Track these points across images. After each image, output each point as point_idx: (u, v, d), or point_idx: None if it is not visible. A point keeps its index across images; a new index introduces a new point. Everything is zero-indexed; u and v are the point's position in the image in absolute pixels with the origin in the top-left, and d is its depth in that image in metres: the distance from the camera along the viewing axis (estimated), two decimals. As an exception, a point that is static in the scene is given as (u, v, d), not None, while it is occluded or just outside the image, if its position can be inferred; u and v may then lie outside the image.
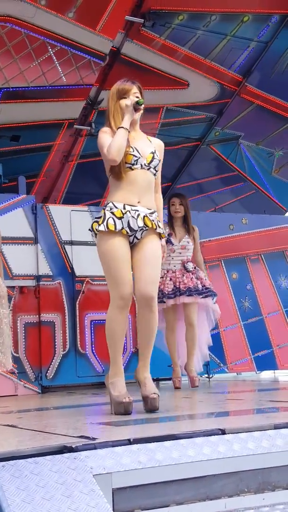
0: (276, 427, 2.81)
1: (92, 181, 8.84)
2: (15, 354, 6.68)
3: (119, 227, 3.73)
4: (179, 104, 8.45)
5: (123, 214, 3.75)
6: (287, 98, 8.79)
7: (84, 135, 8.33)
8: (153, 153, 3.90)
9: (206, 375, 7.57)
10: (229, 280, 8.09)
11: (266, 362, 8.06)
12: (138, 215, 3.77)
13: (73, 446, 2.40)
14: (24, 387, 6.66)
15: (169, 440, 2.56)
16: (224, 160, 9.46)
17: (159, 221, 3.89)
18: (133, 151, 3.83)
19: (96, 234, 3.83)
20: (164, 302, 6.07)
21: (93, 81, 7.64)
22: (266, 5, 7.72)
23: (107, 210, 3.79)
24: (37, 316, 6.89)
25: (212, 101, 8.59)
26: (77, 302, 7.17)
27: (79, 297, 7.19)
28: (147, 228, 3.79)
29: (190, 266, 6.19)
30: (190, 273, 6.15)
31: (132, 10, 7.30)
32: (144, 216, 3.79)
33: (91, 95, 7.96)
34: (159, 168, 3.98)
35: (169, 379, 7.65)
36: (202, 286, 6.14)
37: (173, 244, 6.19)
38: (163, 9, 7.38)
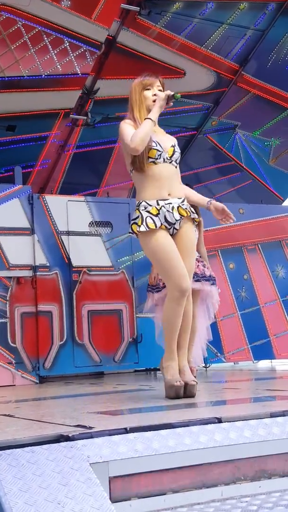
0: (273, 415, 2.81)
1: (89, 171, 8.82)
2: (12, 345, 6.69)
3: (158, 224, 3.78)
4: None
5: (158, 210, 3.79)
6: (284, 87, 8.77)
7: (80, 125, 8.30)
8: (173, 146, 3.94)
9: (203, 365, 7.59)
10: (226, 270, 8.10)
11: (263, 352, 8.07)
12: (173, 207, 3.82)
13: (70, 435, 2.40)
14: (21, 377, 6.68)
15: (166, 428, 2.56)
16: (221, 150, 9.44)
17: (191, 207, 3.94)
18: (156, 145, 3.85)
19: (137, 235, 3.87)
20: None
21: (89, 70, 7.60)
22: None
23: (142, 209, 3.82)
24: (34, 306, 6.89)
25: (208, 90, 8.57)
26: (74, 293, 7.17)
27: (76, 288, 7.19)
28: (182, 217, 3.84)
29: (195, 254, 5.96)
30: (196, 261, 6.00)
31: (128, -2, 7.28)
32: (178, 207, 3.83)
33: (87, 84, 7.93)
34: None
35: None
36: (209, 275, 5.86)
37: None
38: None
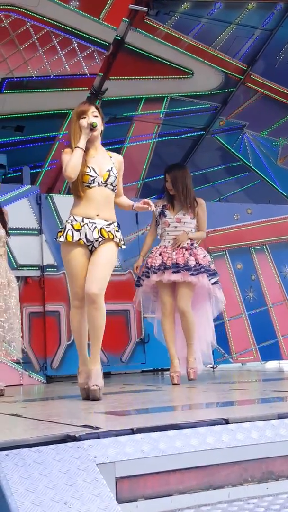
0: (280, 416, 2.80)
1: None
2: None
3: (76, 238, 4.14)
4: (183, 93, 8.41)
5: (81, 226, 4.15)
6: (292, 86, 8.74)
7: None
8: (109, 170, 4.22)
9: (211, 365, 7.57)
10: (233, 270, 8.08)
11: (271, 352, 8.06)
12: (95, 227, 4.16)
13: (77, 435, 2.40)
14: (29, 377, 6.69)
15: (172, 429, 2.56)
16: (229, 150, 9.43)
17: (117, 231, 4.26)
18: (90, 171, 4.17)
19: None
20: (148, 277, 5.43)
21: (97, 70, 7.60)
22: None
23: (68, 222, 4.21)
24: (42, 306, 6.91)
25: (216, 90, 8.55)
26: (82, 292, 7.16)
27: (84, 287, 7.18)
28: (103, 238, 4.17)
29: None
30: (183, 249, 5.42)
31: (136, -2, 7.27)
32: (101, 228, 4.17)
33: (95, 85, 7.93)
34: (118, 182, 4.33)
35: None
36: (196, 263, 5.35)
37: (166, 217, 5.57)
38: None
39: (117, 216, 7.42)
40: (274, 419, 2.78)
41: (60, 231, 4.24)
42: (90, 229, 4.14)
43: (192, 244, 5.51)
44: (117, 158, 4.38)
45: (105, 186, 4.21)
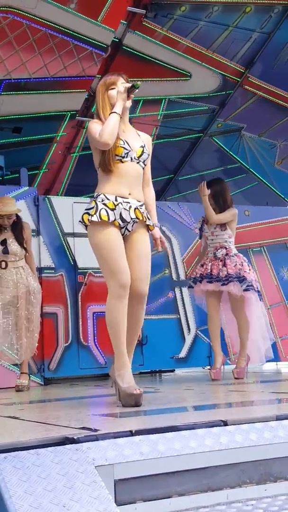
0: (278, 418, 2.80)
1: (94, 173, 8.78)
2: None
3: (112, 218, 3.74)
4: (181, 95, 8.41)
5: (115, 205, 3.76)
6: (289, 89, 8.76)
7: (87, 127, 8.30)
8: (142, 147, 3.91)
9: (208, 367, 7.57)
10: (231, 272, 8.07)
11: (269, 354, 8.04)
12: (130, 207, 3.80)
13: (75, 437, 2.40)
14: (26, 379, 6.66)
15: (171, 431, 2.56)
16: (227, 152, 9.44)
17: (148, 213, 3.94)
18: (124, 143, 3.83)
19: (86, 226, 3.83)
20: (195, 285, 6.05)
21: (95, 72, 7.60)
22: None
23: (99, 201, 3.79)
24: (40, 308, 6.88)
25: (214, 92, 8.56)
26: (80, 294, 7.18)
27: (82, 289, 7.20)
28: (137, 220, 3.82)
29: (219, 253, 6.00)
30: (218, 260, 6.00)
31: (134, 0, 7.27)
32: (135, 208, 3.82)
33: (93, 87, 7.92)
34: (148, 162, 4.00)
35: (171, 371, 7.69)
36: (227, 273, 5.92)
37: (204, 231, 6.18)
38: (165, 0, 7.34)
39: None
40: (273, 420, 2.78)
41: (87, 212, 3.79)
42: (125, 209, 3.77)
43: (227, 254, 6.00)
44: (146, 137, 4.06)
45: (137, 162, 3.86)
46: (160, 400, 4.22)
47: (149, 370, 7.69)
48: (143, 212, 3.85)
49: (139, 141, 3.94)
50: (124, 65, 7.76)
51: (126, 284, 3.70)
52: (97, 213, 3.73)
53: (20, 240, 5.95)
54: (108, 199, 3.77)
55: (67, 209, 7.26)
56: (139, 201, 3.87)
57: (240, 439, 2.62)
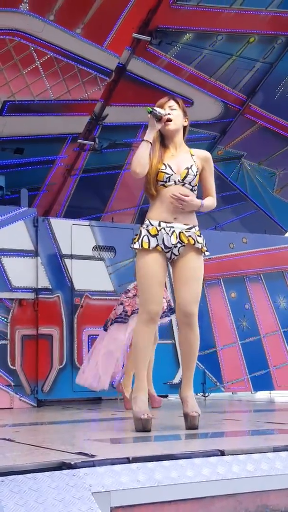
0: (276, 449, 2.79)
1: (94, 196, 8.86)
2: (11, 367, 6.66)
3: (153, 244, 3.76)
4: (183, 122, 8.47)
5: (157, 231, 3.77)
6: (290, 119, 8.85)
7: (88, 150, 8.35)
8: (188, 168, 3.84)
9: (202, 394, 7.54)
10: (227, 299, 8.08)
11: (263, 383, 8.03)
12: (173, 232, 3.78)
13: (72, 462, 2.38)
14: (19, 400, 6.64)
15: (168, 460, 2.55)
16: (226, 179, 9.49)
17: (199, 236, 3.85)
18: (165, 168, 3.81)
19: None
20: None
21: (98, 96, 7.68)
22: (273, 26, 7.78)
23: (144, 227, 3.83)
24: (35, 329, 6.87)
25: (215, 120, 8.64)
26: (76, 316, 7.15)
27: (78, 311, 7.18)
28: (183, 244, 3.79)
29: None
30: None
31: (140, 27, 7.36)
32: (179, 233, 3.79)
33: (96, 110, 7.99)
34: (205, 179, 3.97)
35: (165, 396, 7.64)
36: None
37: None
38: (170, 28, 7.43)
39: (112, 240, 7.50)
40: (270, 452, 2.77)
41: (135, 238, 3.84)
42: (167, 233, 3.76)
43: None
44: (200, 154, 3.96)
45: (183, 185, 3.81)
46: (156, 426, 4.19)
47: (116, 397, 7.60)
48: (189, 236, 3.80)
49: (188, 162, 3.87)
50: (127, 90, 7.85)
51: (153, 313, 3.74)
52: (139, 240, 3.79)
53: None
54: (152, 224, 3.80)
55: (66, 231, 7.27)
56: (187, 225, 3.83)
57: (237, 470, 2.61)
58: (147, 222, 3.83)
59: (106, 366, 5.99)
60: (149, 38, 7.44)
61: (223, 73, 8.09)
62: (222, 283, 8.11)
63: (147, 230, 3.79)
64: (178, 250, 3.79)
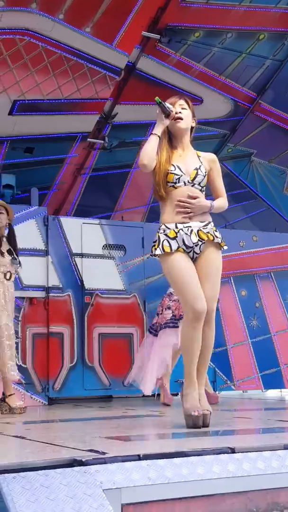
0: (286, 447, 2.79)
1: (104, 194, 8.87)
2: (23, 365, 6.69)
3: (174, 247, 3.75)
4: (192, 120, 8.46)
5: (176, 233, 3.77)
6: (300, 116, 8.81)
7: (97, 149, 8.36)
8: (197, 169, 3.86)
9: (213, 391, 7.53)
10: (238, 297, 8.08)
11: (273, 381, 8.02)
12: (192, 231, 3.78)
13: (83, 459, 2.39)
14: (30, 398, 6.66)
15: (179, 457, 2.55)
16: (236, 177, 9.47)
17: (215, 231, 3.85)
18: (175, 169, 3.83)
19: (157, 257, 3.86)
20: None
21: (108, 95, 7.68)
22: (283, 23, 7.75)
23: (161, 233, 3.81)
24: (46, 327, 6.90)
25: (225, 117, 8.62)
26: (86, 315, 7.17)
27: (88, 310, 7.20)
28: (203, 241, 3.79)
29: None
30: None
31: (149, 25, 7.35)
32: (198, 231, 3.79)
33: (106, 109, 7.99)
34: (214, 180, 3.98)
35: (175, 394, 7.64)
36: None
37: None
38: (180, 26, 7.42)
39: (122, 239, 7.50)
40: (280, 449, 2.77)
41: (153, 245, 3.82)
42: (186, 233, 3.76)
43: None
44: (207, 157, 4.00)
45: (192, 185, 3.83)
46: (165, 424, 4.20)
47: (153, 394, 7.66)
48: (208, 232, 3.81)
49: (196, 163, 3.90)
50: (136, 88, 7.85)
51: (200, 311, 3.69)
52: (160, 246, 3.77)
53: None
54: (168, 228, 3.80)
55: (76, 230, 7.29)
56: (202, 222, 3.83)
57: (247, 467, 2.61)
58: (163, 226, 3.82)
59: (157, 373, 6.01)
60: (159, 36, 7.43)
61: (232, 70, 8.07)
62: (232, 281, 8.10)
63: (166, 234, 3.78)
64: (200, 248, 3.79)
